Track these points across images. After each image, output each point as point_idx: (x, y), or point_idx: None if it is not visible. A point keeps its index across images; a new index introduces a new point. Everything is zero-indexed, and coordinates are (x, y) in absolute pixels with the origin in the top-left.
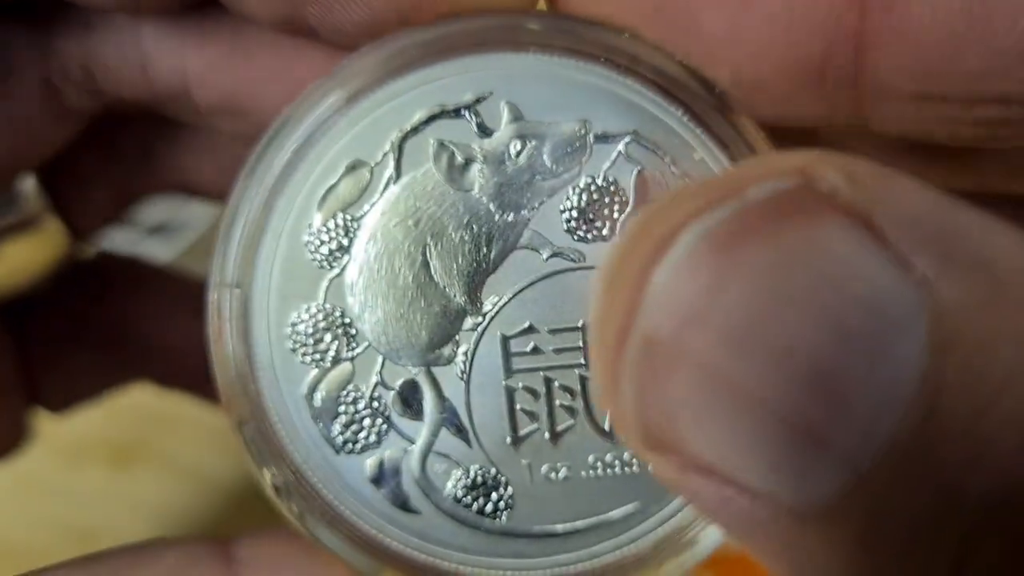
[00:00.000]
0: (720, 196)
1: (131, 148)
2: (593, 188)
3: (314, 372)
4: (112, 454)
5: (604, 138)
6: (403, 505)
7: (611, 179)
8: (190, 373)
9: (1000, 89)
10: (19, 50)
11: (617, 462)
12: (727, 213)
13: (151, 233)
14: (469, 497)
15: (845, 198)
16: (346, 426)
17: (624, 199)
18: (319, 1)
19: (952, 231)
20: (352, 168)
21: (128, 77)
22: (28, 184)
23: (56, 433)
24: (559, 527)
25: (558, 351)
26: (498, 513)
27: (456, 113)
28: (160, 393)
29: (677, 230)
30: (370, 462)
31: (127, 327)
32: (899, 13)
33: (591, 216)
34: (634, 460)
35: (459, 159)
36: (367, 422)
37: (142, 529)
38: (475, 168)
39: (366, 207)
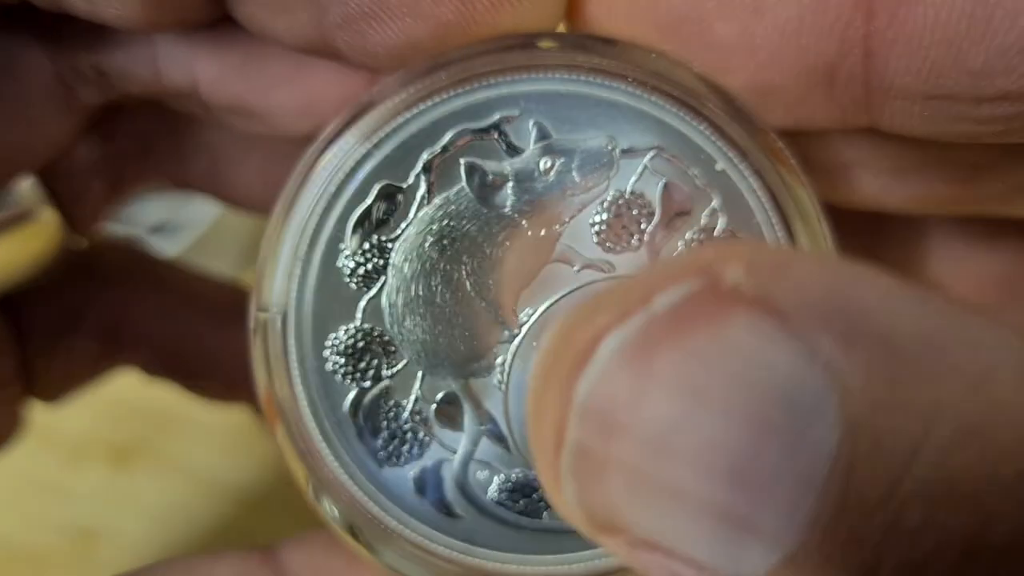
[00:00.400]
0: (631, 306)
1: (129, 140)
2: (621, 201)
3: (355, 391)
4: (112, 454)
5: (629, 153)
6: (447, 511)
7: (638, 192)
8: (182, 364)
9: (1004, 86)
10: (31, 48)
11: None
12: (638, 324)
13: (151, 233)
14: (510, 500)
15: (748, 291)
16: (389, 440)
17: (651, 210)
18: (352, 28)
19: (852, 306)
20: (384, 191)
21: (139, 76)
22: (26, 180)
23: (56, 433)
24: None
25: None
26: (539, 512)
27: (485, 134)
28: (156, 389)
29: (595, 342)
30: (413, 472)
31: (123, 317)
32: (904, 15)
33: (620, 228)
34: None
35: (490, 178)
36: (409, 436)
37: (142, 529)
38: (506, 186)
39: (400, 229)
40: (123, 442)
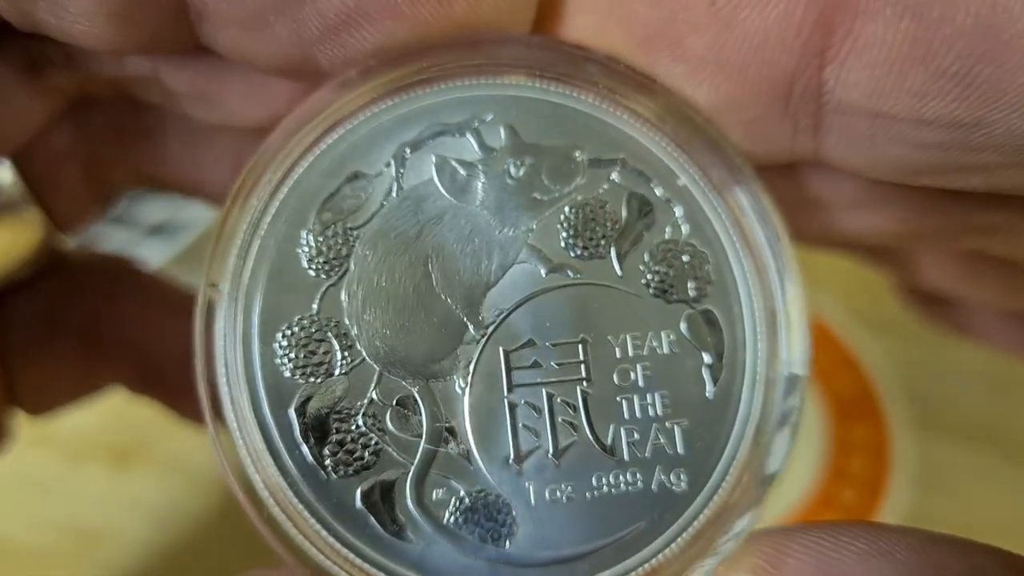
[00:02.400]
0: None
1: (103, 129)
2: (588, 208)
3: (305, 387)
4: (112, 454)
5: (596, 163)
6: (398, 533)
7: (604, 200)
8: (166, 380)
9: (937, 110)
10: (3, 35)
11: (621, 481)
12: None
13: (150, 233)
14: (470, 523)
15: None
16: (338, 446)
17: (616, 219)
18: (331, 38)
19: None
20: (352, 178)
21: (105, 61)
22: (3, 171)
23: (56, 433)
24: (565, 552)
25: (559, 365)
26: (500, 540)
27: (457, 131)
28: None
29: None
30: (363, 486)
31: (104, 327)
32: (858, 31)
33: (587, 234)
34: (638, 478)
35: (462, 173)
36: (361, 442)
37: (142, 529)
38: (477, 183)
39: (365, 217)
40: (123, 442)
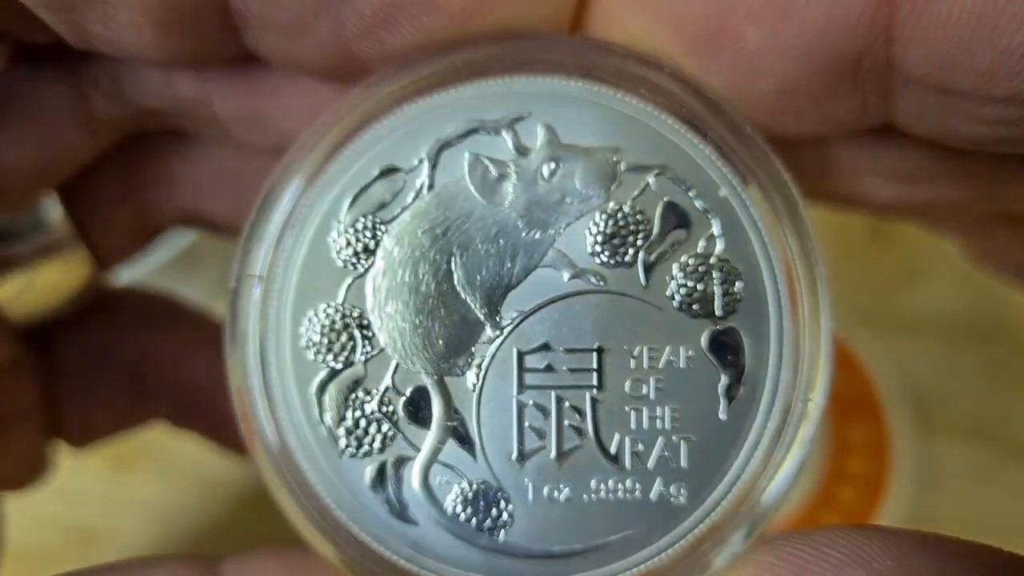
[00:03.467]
0: None
1: (150, 172)
2: (620, 216)
3: (325, 371)
4: (112, 454)
5: (634, 168)
6: (401, 514)
7: (638, 208)
8: (207, 414)
9: (1007, 89)
10: (50, 62)
11: (620, 487)
12: None
13: None
14: (469, 510)
15: None
16: (352, 428)
17: (649, 229)
18: (370, 36)
19: None
20: (385, 172)
21: (153, 85)
22: (53, 208)
23: None
24: (556, 548)
25: (572, 371)
26: (496, 530)
27: (494, 130)
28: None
29: None
30: (372, 467)
31: (149, 364)
32: (922, 9)
33: (616, 242)
34: (636, 487)
35: (493, 173)
36: (373, 427)
37: (142, 529)
38: (508, 184)
39: (395, 212)
40: (123, 443)
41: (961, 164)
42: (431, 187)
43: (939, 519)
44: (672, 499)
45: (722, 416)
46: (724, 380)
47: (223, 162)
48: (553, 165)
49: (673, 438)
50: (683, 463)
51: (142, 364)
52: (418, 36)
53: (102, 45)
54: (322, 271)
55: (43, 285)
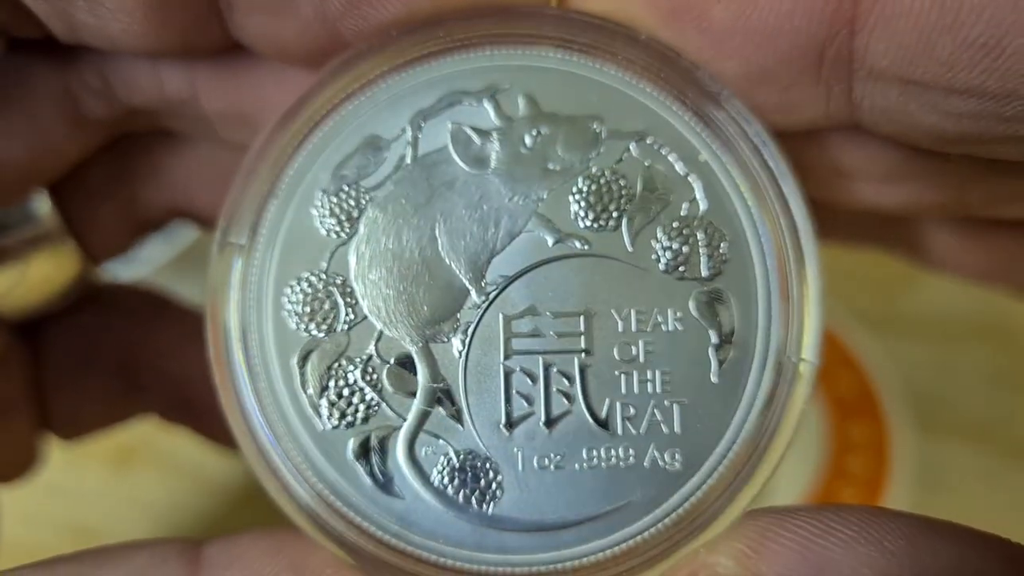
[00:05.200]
0: None
1: (139, 167)
2: (602, 181)
3: (307, 340)
4: (112, 454)
5: (615, 135)
6: (386, 487)
7: (620, 173)
8: (196, 408)
9: (968, 80)
10: (39, 61)
11: (612, 455)
12: None
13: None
14: (456, 481)
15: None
16: (336, 398)
17: (631, 193)
18: (355, 12)
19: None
20: (368, 142)
21: (142, 83)
22: (43, 202)
23: None
24: (548, 519)
25: (559, 335)
26: (485, 501)
27: (475, 99)
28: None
29: None
30: (355, 438)
31: (138, 358)
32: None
33: (599, 207)
34: (629, 454)
35: (476, 142)
36: (357, 396)
37: (142, 528)
38: (490, 151)
39: (379, 180)
40: (123, 442)
41: (931, 163)
42: (414, 156)
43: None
44: (666, 465)
45: (714, 378)
46: (714, 342)
47: (211, 157)
48: (535, 133)
49: (665, 402)
50: (676, 428)
51: (131, 358)
52: (402, 11)
53: (90, 36)
54: (305, 240)
55: (33, 278)
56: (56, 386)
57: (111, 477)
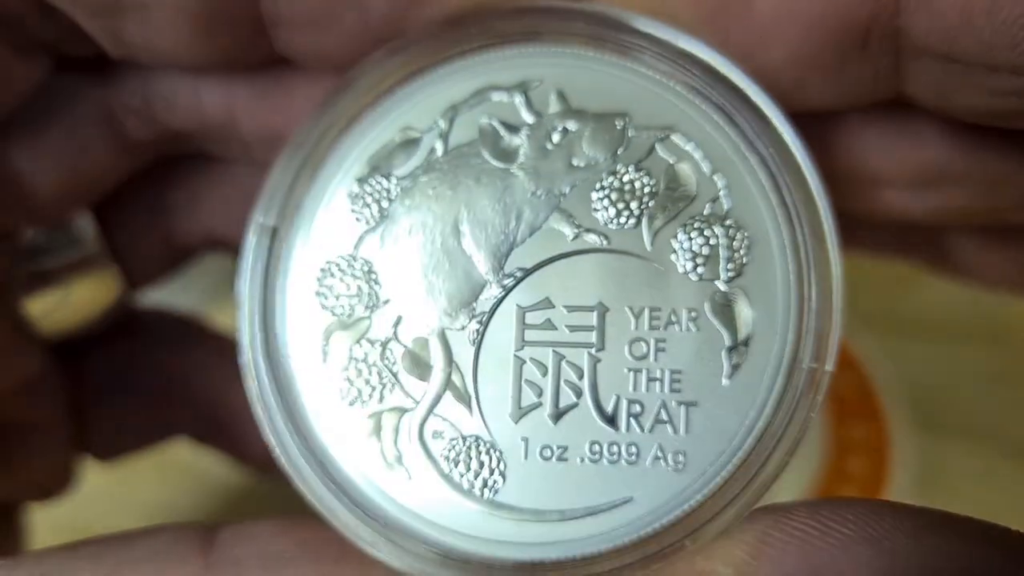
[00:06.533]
0: None
1: (178, 195)
2: (626, 177)
3: (332, 320)
4: None
5: (641, 132)
6: (394, 466)
7: (644, 170)
8: (230, 433)
9: (1009, 59)
10: (82, 81)
11: (616, 450)
12: None
13: None
14: (461, 465)
15: None
16: (354, 376)
17: (655, 190)
18: (396, 23)
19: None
20: (402, 132)
21: (182, 103)
22: (87, 226)
23: None
24: (548, 509)
25: (572, 329)
26: (487, 487)
27: (506, 94)
28: (197, 449)
29: None
30: (369, 417)
31: (173, 381)
32: None
33: (621, 204)
34: (633, 450)
35: (504, 135)
36: (375, 376)
37: None
38: (518, 147)
39: (409, 170)
40: None
41: (963, 163)
42: (444, 148)
43: None
44: (669, 465)
45: (724, 381)
46: (727, 344)
47: (250, 187)
48: (562, 129)
49: (673, 402)
50: (682, 429)
51: (167, 382)
52: (441, 13)
53: (138, 51)
54: (337, 224)
55: (75, 301)
56: (93, 408)
57: (111, 477)
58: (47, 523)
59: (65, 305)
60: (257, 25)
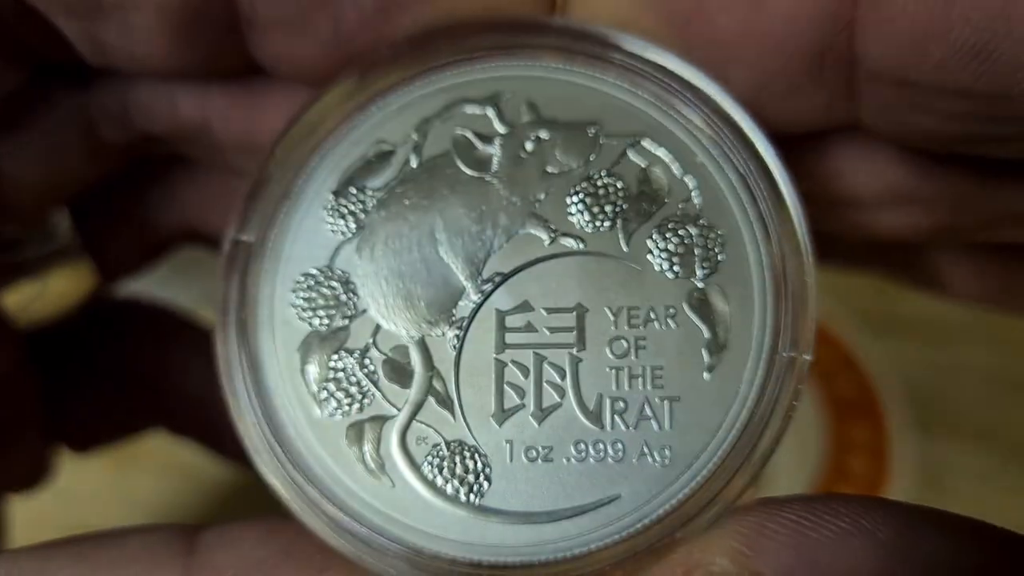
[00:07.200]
0: None
1: (154, 190)
2: (599, 182)
3: (309, 331)
4: (112, 455)
5: (613, 138)
6: (377, 474)
7: (617, 174)
8: (207, 424)
9: (959, 82)
10: (60, 85)
11: (602, 449)
12: None
13: None
14: (445, 471)
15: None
16: (333, 386)
17: (628, 194)
18: (367, 30)
19: (819, 556)
20: (377, 146)
21: (158, 110)
22: (63, 219)
23: None
24: (535, 512)
25: (552, 330)
26: (473, 492)
27: (478, 106)
28: (173, 440)
29: None
30: (349, 426)
31: (148, 372)
32: (881, 3)
33: (595, 209)
34: (619, 449)
35: (477, 145)
36: (354, 386)
37: None
38: (491, 155)
39: (384, 182)
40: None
41: (924, 184)
42: (419, 160)
43: None
44: (656, 462)
45: (705, 375)
46: (706, 338)
47: (224, 183)
48: (535, 138)
49: (656, 398)
50: (667, 424)
51: (141, 373)
52: (413, 26)
53: (116, 57)
54: (313, 236)
55: (51, 294)
56: (69, 400)
57: (111, 477)
58: (49, 523)
59: (41, 297)
60: (234, 28)
